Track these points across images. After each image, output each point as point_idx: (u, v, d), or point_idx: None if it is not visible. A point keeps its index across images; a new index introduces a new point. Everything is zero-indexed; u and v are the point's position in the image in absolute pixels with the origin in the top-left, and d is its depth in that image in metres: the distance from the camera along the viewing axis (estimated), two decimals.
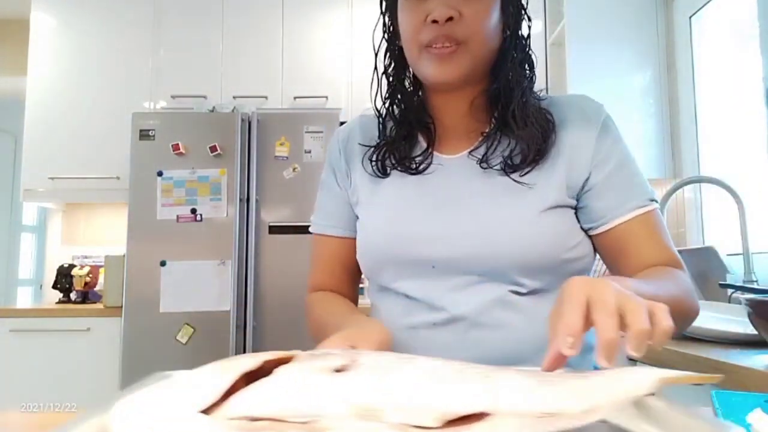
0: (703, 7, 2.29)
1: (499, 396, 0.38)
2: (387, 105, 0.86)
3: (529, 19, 0.81)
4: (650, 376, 0.40)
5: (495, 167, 0.77)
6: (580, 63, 2.44)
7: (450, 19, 0.72)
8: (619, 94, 2.44)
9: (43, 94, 2.83)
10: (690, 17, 2.37)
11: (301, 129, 2.48)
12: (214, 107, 2.66)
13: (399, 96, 0.85)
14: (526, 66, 0.80)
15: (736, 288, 1.56)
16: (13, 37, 3.33)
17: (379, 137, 0.85)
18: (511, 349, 0.73)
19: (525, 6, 0.80)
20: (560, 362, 0.47)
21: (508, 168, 0.75)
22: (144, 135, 2.46)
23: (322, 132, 2.48)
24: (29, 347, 2.48)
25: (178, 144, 2.42)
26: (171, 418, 0.37)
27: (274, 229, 2.43)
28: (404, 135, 0.83)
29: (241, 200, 2.43)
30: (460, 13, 0.72)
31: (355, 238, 0.86)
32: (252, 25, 2.90)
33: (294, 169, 2.46)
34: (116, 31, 2.89)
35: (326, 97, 2.83)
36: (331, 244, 0.89)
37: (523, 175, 0.75)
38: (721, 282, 1.67)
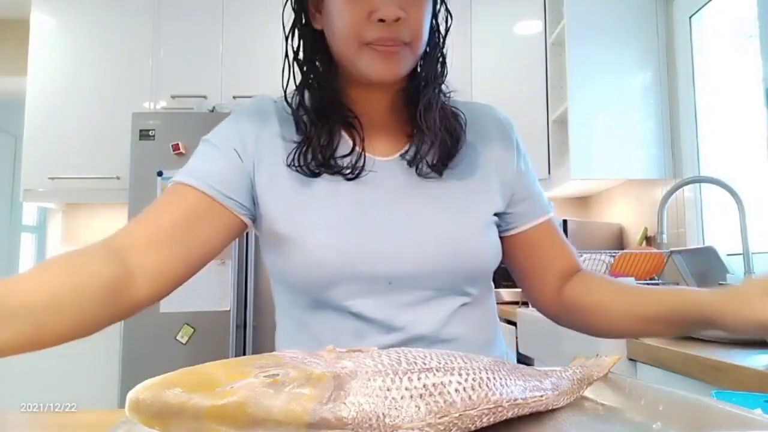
0: (703, 7, 2.29)
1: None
2: (299, 95, 0.78)
3: (451, 16, 0.80)
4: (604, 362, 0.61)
5: (427, 173, 0.76)
6: (580, 63, 2.44)
7: (397, 19, 0.69)
8: (619, 94, 2.43)
9: (43, 94, 2.83)
10: (690, 17, 2.37)
11: None
12: (214, 107, 2.66)
13: (317, 85, 0.78)
14: (440, 63, 0.80)
15: None
16: (13, 37, 3.33)
17: (297, 131, 0.77)
18: None
19: (446, 2, 0.80)
20: None
21: (434, 168, 0.76)
22: (144, 135, 2.46)
23: None
24: None
25: (178, 144, 2.42)
26: None
27: None
28: (326, 130, 0.76)
29: None
30: (406, 13, 0.70)
31: (236, 215, 0.75)
32: (252, 25, 2.89)
33: None
34: (116, 31, 2.89)
35: None
36: (198, 202, 0.74)
37: (449, 171, 0.77)
38: (721, 282, 1.67)
